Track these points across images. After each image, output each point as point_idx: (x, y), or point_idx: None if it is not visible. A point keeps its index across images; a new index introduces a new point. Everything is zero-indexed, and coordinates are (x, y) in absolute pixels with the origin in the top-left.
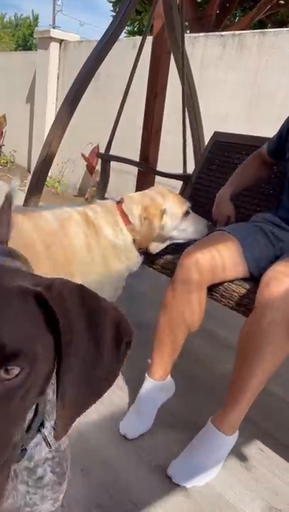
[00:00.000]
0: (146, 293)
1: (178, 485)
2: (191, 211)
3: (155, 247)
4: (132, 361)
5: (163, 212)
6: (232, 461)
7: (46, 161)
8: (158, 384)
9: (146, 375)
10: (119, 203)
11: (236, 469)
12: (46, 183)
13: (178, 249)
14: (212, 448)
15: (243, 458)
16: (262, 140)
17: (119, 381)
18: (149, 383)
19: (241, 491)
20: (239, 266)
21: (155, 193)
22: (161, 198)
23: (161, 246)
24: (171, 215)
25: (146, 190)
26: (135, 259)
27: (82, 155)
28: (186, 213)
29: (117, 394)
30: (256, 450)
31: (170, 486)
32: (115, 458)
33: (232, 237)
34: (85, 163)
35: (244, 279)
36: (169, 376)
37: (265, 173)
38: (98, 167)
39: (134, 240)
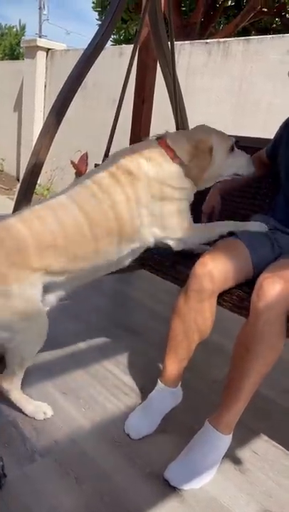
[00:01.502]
0: (138, 299)
1: (173, 490)
2: (235, 147)
3: (206, 183)
4: (123, 368)
5: (211, 148)
6: (226, 465)
7: (34, 171)
8: (168, 390)
9: (158, 380)
10: (160, 139)
11: (230, 472)
12: (35, 190)
13: (188, 258)
14: (210, 448)
15: (236, 461)
16: (249, 140)
17: (112, 388)
18: (159, 387)
19: (236, 495)
20: (247, 271)
21: (200, 130)
22: (206, 134)
23: (211, 183)
24: (218, 151)
25: (190, 129)
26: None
27: (72, 162)
28: (232, 148)
29: (110, 401)
30: (250, 453)
31: (164, 491)
32: (109, 465)
33: (239, 241)
34: (74, 170)
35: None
36: (179, 385)
37: (262, 172)
38: None
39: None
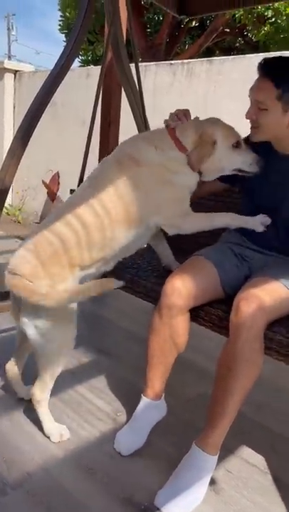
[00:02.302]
0: (112, 319)
1: None
2: (242, 143)
3: (209, 175)
4: (97, 392)
5: (214, 141)
6: None
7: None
8: (153, 403)
9: (142, 395)
10: (170, 127)
11: (205, 493)
12: (7, 211)
13: (162, 277)
14: (199, 470)
15: (211, 481)
16: None
17: (86, 414)
18: (144, 402)
19: None
20: (216, 288)
21: (208, 122)
22: (212, 126)
23: (215, 175)
24: (221, 144)
25: (201, 120)
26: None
27: (43, 182)
28: (237, 144)
29: (83, 428)
30: (224, 471)
31: None
32: (83, 494)
33: (206, 260)
34: (46, 190)
35: (221, 300)
36: (163, 397)
37: (216, 189)
38: (59, 193)
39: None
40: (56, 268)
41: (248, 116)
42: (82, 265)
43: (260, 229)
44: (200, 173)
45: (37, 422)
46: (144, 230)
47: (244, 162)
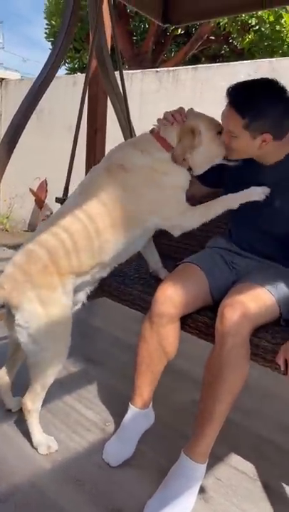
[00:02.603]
0: (101, 327)
1: None
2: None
3: (199, 168)
4: (86, 402)
5: (198, 131)
6: None
7: None
8: (141, 412)
9: (129, 403)
10: (154, 131)
11: (194, 502)
12: None
13: (151, 287)
14: (188, 479)
15: (200, 489)
16: None
17: (74, 424)
18: (132, 411)
19: None
20: (206, 295)
21: (191, 116)
22: (194, 119)
23: (204, 167)
24: (205, 134)
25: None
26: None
27: (31, 190)
28: (220, 134)
29: (72, 439)
30: (213, 480)
31: None
32: (71, 506)
33: (198, 268)
34: (34, 197)
35: (208, 307)
36: (151, 405)
37: (202, 194)
38: (47, 201)
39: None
40: (47, 278)
41: (223, 139)
42: (78, 272)
43: (262, 197)
44: (190, 169)
45: (25, 434)
46: (140, 233)
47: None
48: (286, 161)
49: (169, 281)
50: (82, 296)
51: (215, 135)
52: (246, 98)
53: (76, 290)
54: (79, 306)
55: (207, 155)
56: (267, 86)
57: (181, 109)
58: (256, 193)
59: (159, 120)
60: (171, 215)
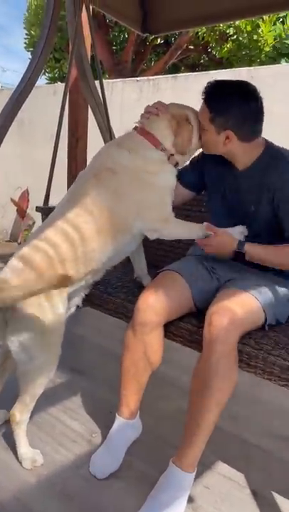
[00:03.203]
0: (86, 336)
1: None
2: None
3: (185, 159)
4: (71, 413)
5: (189, 119)
6: None
7: None
8: (128, 422)
9: (116, 414)
10: (138, 128)
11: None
12: None
13: (129, 293)
14: (177, 489)
15: (188, 498)
16: None
17: (60, 436)
18: (119, 422)
19: None
20: (189, 303)
21: (174, 107)
22: (182, 109)
23: (189, 157)
24: (195, 122)
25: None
26: (171, 168)
27: (12, 200)
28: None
29: (57, 451)
30: (201, 488)
31: None
32: None
33: (178, 275)
34: (15, 207)
35: (191, 314)
36: (138, 415)
37: (184, 199)
38: (29, 210)
39: (168, 158)
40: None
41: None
42: (74, 279)
43: (241, 237)
44: (176, 164)
45: (10, 448)
46: (130, 237)
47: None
48: (256, 166)
49: (150, 289)
50: (77, 300)
51: (199, 124)
52: (215, 94)
53: (71, 295)
54: (73, 310)
55: (196, 144)
56: (238, 87)
57: (160, 102)
58: (238, 233)
59: (142, 115)
60: (155, 218)
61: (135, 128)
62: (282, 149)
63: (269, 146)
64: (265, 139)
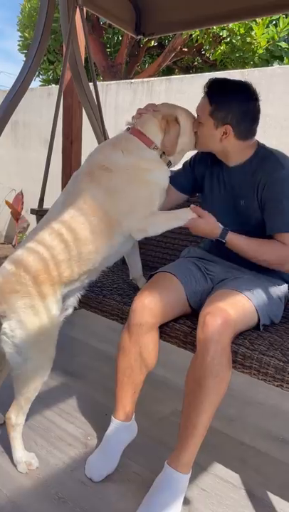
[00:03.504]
0: (80, 339)
1: None
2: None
3: (178, 158)
4: (67, 416)
5: (178, 119)
6: None
7: None
8: (124, 425)
9: (112, 416)
10: (131, 128)
11: None
12: None
13: (124, 295)
14: (173, 491)
15: (185, 501)
16: None
17: (55, 440)
18: (114, 424)
19: None
20: (184, 304)
21: (165, 107)
22: (172, 109)
23: (180, 157)
24: (185, 122)
25: (157, 106)
26: (164, 167)
27: (6, 202)
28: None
29: (53, 455)
30: (198, 490)
31: None
32: None
33: (173, 277)
34: (10, 209)
35: (186, 315)
36: (133, 418)
37: (177, 201)
38: (23, 213)
39: (161, 156)
40: (37, 287)
41: (193, 129)
42: (68, 281)
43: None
44: (169, 163)
45: (5, 451)
46: (123, 237)
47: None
48: (248, 164)
49: (145, 291)
50: (72, 301)
51: (192, 124)
52: (218, 88)
53: (66, 296)
54: (70, 311)
55: (187, 143)
56: (240, 85)
57: (152, 104)
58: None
59: (133, 117)
60: (144, 215)
61: (128, 129)
62: (273, 150)
63: (261, 147)
64: (258, 141)
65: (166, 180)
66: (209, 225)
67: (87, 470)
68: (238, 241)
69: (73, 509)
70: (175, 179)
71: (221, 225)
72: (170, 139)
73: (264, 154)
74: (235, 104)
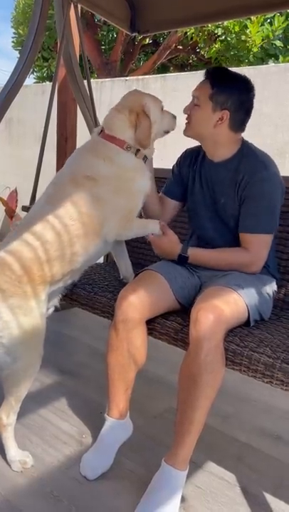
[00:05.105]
0: (74, 337)
1: None
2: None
3: (150, 152)
4: (61, 414)
5: (147, 109)
6: None
7: None
8: (118, 422)
9: (105, 415)
10: (101, 132)
11: None
12: None
13: (115, 292)
14: (171, 488)
15: (180, 498)
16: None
17: (50, 438)
18: (109, 422)
19: None
20: (170, 300)
21: (132, 96)
22: (140, 98)
23: (153, 150)
24: (154, 110)
25: (122, 99)
26: (143, 167)
27: (1, 199)
28: (162, 108)
29: (48, 453)
30: (192, 488)
31: None
32: None
33: (157, 273)
34: (4, 207)
35: (176, 312)
36: (128, 415)
37: (172, 213)
38: (18, 210)
39: (136, 153)
40: (20, 287)
41: (184, 110)
42: (51, 281)
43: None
44: (145, 158)
45: None
46: (105, 239)
47: (169, 123)
48: (230, 162)
49: (129, 288)
50: (55, 301)
51: (160, 111)
52: (221, 74)
53: (50, 296)
54: (52, 310)
55: (157, 130)
56: (242, 76)
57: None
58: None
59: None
60: (123, 221)
61: (101, 130)
62: (257, 150)
63: (245, 145)
64: (243, 139)
65: (148, 185)
66: (171, 243)
67: (82, 468)
68: (201, 253)
69: (68, 507)
70: (167, 189)
71: (180, 244)
72: (143, 132)
73: (248, 153)
74: (236, 91)
